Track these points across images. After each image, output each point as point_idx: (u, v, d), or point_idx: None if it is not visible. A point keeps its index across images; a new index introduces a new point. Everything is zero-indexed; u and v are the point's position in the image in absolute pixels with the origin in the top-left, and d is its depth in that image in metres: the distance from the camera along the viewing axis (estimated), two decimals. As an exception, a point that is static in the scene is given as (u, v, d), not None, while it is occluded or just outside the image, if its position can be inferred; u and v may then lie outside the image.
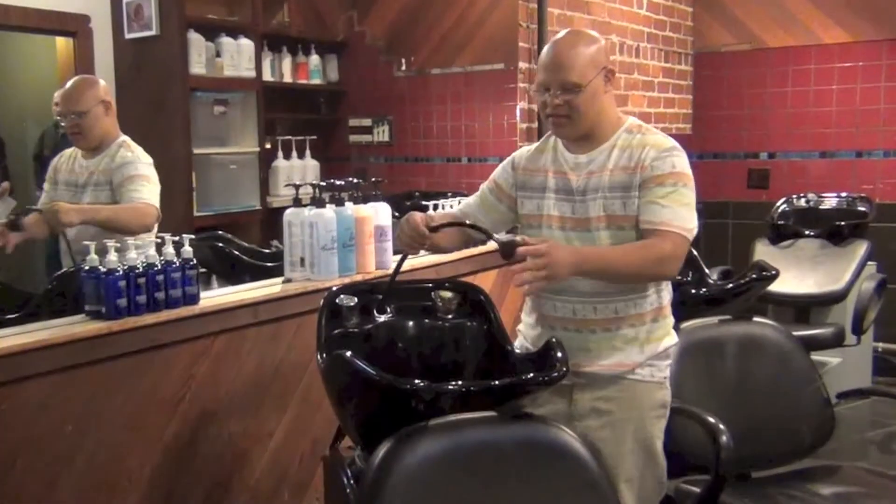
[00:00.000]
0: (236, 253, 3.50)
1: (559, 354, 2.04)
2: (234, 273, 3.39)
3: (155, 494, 2.43)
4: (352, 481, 2.14)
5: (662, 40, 5.37)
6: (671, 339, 2.32)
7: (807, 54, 5.58)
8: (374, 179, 3.17)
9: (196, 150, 4.42)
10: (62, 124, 3.24)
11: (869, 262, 4.87)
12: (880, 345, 5.29)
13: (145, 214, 2.99)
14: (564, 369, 1.98)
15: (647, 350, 2.25)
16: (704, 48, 5.84)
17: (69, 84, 3.20)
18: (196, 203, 4.47)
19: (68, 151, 3.29)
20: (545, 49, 2.23)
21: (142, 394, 2.38)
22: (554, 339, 2.11)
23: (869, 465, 3.91)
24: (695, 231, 2.14)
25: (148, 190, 3.03)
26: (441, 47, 5.14)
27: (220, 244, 3.47)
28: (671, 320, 2.33)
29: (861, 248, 4.86)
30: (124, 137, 3.18)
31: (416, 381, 1.93)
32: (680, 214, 2.11)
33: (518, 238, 2.04)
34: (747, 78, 5.78)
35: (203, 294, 2.58)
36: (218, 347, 2.56)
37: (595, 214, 2.19)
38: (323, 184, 2.93)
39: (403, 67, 5.25)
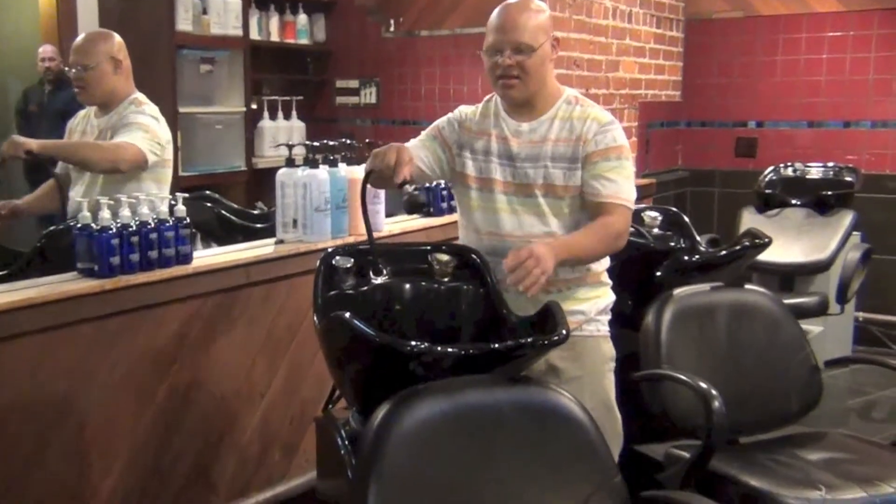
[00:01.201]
0: (225, 213, 3.46)
1: (558, 318, 2.04)
2: (223, 234, 3.35)
3: (146, 454, 2.42)
4: (346, 442, 2.15)
5: (654, 6, 5.33)
6: (610, 297, 2.42)
7: (798, 23, 5.56)
8: (367, 141, 3.14)
9: (181, 109, 4.36)
10: (70, 75, 3.15)
11: (854, 232, 4.90)
12: (861, 314, 5.33)
13: (115, 151, 2.86)
14: (564, 332, 1.97)
15: (590, 307, 2.34)
16: (696, 15, 5.80)
17: (82, 35, 3.11)
18: (181, 163, 4.41)
19: (83, 112, 3.21)
20: (495, 13, 2.27)
21: (134, 353, 2.36)
22: (552, 303, 2.12)
23: (849, 431, 3.97)
24: (633, 203, 2.28)
25: (139, 136, 2.92)
26: (430, 9, 5.08)
27: (209, 204, 3.42)
28: (609, 282, 2.43)
29: (847, 218, 4.89)
30: (137, 94, 3.10)
31: (417, 343, 1.92)
32: (625, 188, 2.23)
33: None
34: (738, 46, 5.75)
35: (195, 254, 2.55)
36: (210, 308, 2.54)
37: (535, 182, 2.26)
38: (316, 144, 2.89)
39: (392, 29, 5.19)
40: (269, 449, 2.75)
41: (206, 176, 4.49)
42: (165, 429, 2.46)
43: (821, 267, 4.72)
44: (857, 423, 4.40)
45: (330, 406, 2.43)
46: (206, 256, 2.61)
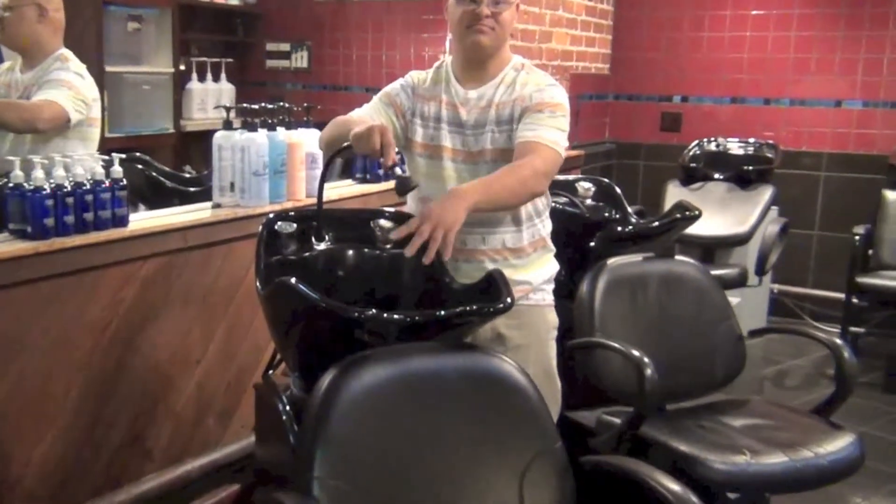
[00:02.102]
0: (156, 176, 3.39)
1: (502, 285, 2.07)
2: (153, 197, 3.29)
3: (81, 420, 2.37)
4: (287, 408, 2.15)
5: (587, -22, 5.39)
6: (555, 265, 2.45)
7: (724, 0, 5.68)
8: (306, 105, 3.10)
9: (108, 68, 4.23)
10: None
11: (772, 207, 5.08)
12: (776, 286, 5.54)
13: (32, 110, 2.78)
14: (509, 300, 2.01)
15: (536, 276, 2.37)
16: (626, -11, 5.88)
17: None
18: (106, 124, 4.28)
19: (6, 64, 3.10)
20: None
21: (68, 318, 2.30)
22: (496, 271, 2.14)
23: (759, 397, 4.13)
24: (563, 154, 2.25)
25: (62, 93, 2.83)
26: (363, -26, 5.02)
27: (139, 166, 3.35)
28: (553, 249, 2.45)
29: (766, 192, 5.06)
30: (63, 51, 3.00)
31: (364, 309, 1.92)
32: (553, 134, 2.22)
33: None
34: (666, 21, 5.86)
35: (131, 217, 2.49)
36: (146, 272, 2.49)
37: (483, 147, 2.29)
38: (255, 107, 2.84)
39: (324, -8, 5.12)
40: (204, 415, 2.73)
41: (132, 138, 4.37)
42: (99, 395, 2.41)
43: (741, 240, 4.88)
44: (772, 390, 4.59)
45: (270, 372, 2.42)
46: (143, 220, 2.55)
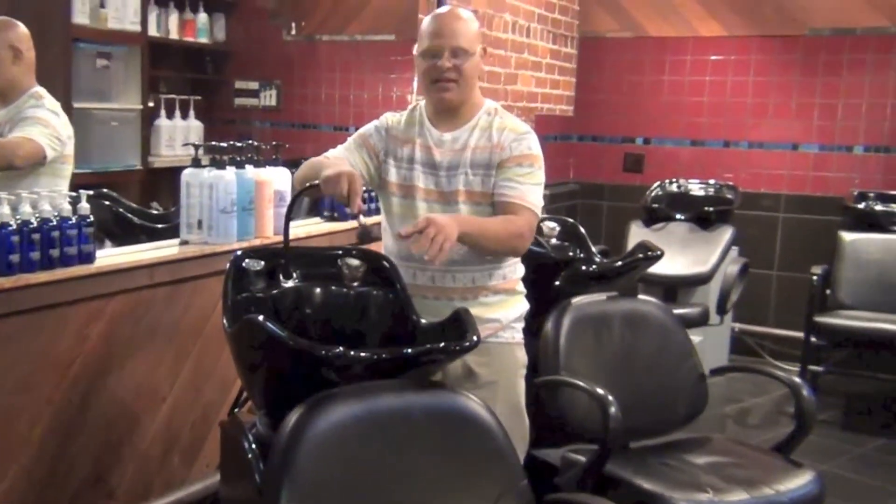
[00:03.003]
0: (123, 212, 3.39)
1: (468, 324, 2.10)
2: (120, 233, 3.29)
3: (44, 458, 2.35)
4: (253, 446, 2.14)
5: (552, 22, 5.48)
6: (525, 305, 2.49)
7: (684, 45, 5.81)
8: (274, 143, 3.13)
9: (76, 104, 4.22)
10: None
11: (733, 247, 5.17)
12: (737, 325, 5.62)
13: (9, 147, 2.81)
14: (475, 338, 2.03)
15: (505, 315, 2.40)
16: (589, 33, 5.99)
17: None
18: (75, 159, 4.26)
19: None
20: (431, 19, 2.36)
21: (33, 354, 2.29)
22: (462, 309, 2.17)
23: (720, 435, 4.18)
24: (541, 214, 2.36)
25: (37, 131, 2.87)
26: (332, 14, 5.08)
27: (107, 202, 3.34)
28: (524, 291, 2.50)
29: (727, 233, 5.16)
30: (37, 88, 3.04)
31: (332, 347, 1.94)
32: (534, 193, 2.31)
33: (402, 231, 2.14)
34: (628, 65, 5.97)
35: (98, 253, 2.49)
36: (113, 309, 2.48)
37: (457, 188, 2.33)
38: (224, 145, 2.87)
39: (293, 32, 5.17)
40: (169, 453, 2.71)
41: (100, 174, 4.35)
42: (64, 433, 2.39)
43: (703, 279, 4.96)
44: (733, 428, 4.64)
45: (236, 409, 2.42)
46: (110, 256, 2.55)
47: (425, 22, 2.36)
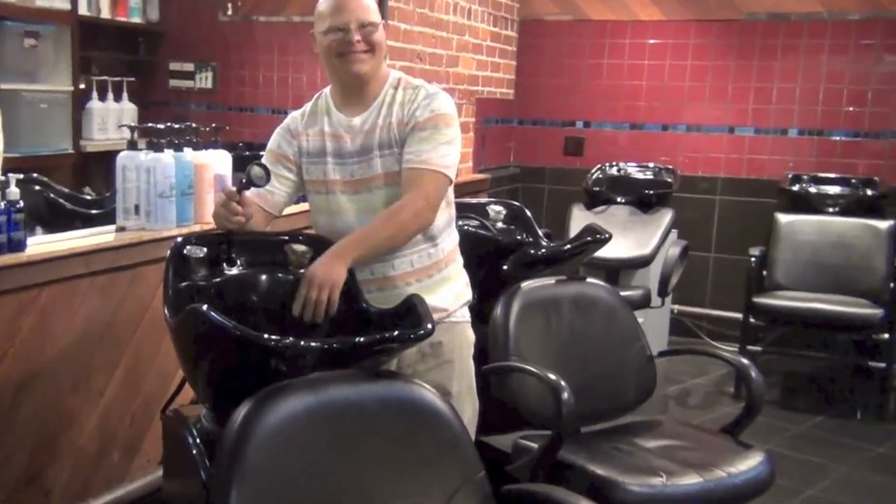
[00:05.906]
0: (54, 197, 3.25)
1: (422, 312, 2.05)
2: (52, 219, 3.15)
3: (-26, 458, 2.24)
4: (198, 441, 2.07)
5: (492, 4, 5.43)
6: (468, 295, 2.46)
7: (623, 29, 5.82)
8: (214, 125, 3.02)
9: (3, 85, 4.02)
10: None
11: (673, 230, 5.21)
12: (676, 307, 5.67)
13: None
14: (430, 326, 1.98)
15: (452, 304, 2.37)
16: (529, 16, 5.96)
17: None
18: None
19: None
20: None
21: (-40, 349, 2.17)
22: (415, 296, 2.12)
23: (672, 418, 4.21)
24: (453, 168, 2.27)
25: None
26: (268, -7, 4.95)
27: (37, 187, 3.20)
28: (461, 260, 2.47)
29: (666, 216, 5.18)
30: None
31: (281, 337, 1.87)
32: (440, 152, 2.23)
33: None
34: (568, 48, 5.96)
35: (28, 241, 2.37)
36: (46, 299, 2.37)
37: (374, 173, 2.28)
38: (161, 127, 2.76)
39: (229, 12, 5.02)
40: (108, 450, 2.61)
41: (29, 158, 4.16)
42: (-5, 430, 2.28)
43: (644, 262, 4.99)
44: (676, 409, 4.69)
45: (172, 403, 2.33)
46: (42, 244, 2.43)
47: (321, 1, 2.28)
